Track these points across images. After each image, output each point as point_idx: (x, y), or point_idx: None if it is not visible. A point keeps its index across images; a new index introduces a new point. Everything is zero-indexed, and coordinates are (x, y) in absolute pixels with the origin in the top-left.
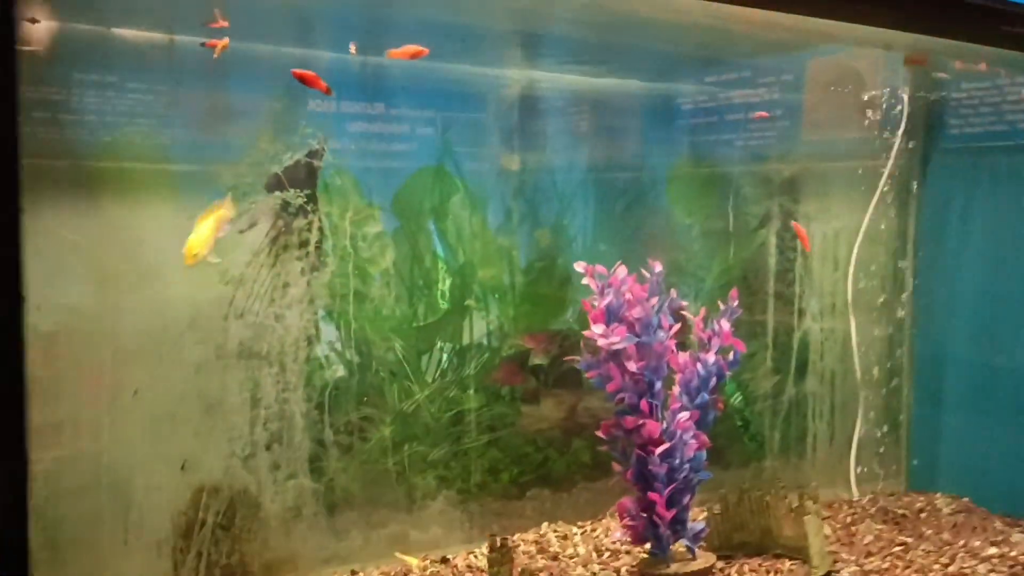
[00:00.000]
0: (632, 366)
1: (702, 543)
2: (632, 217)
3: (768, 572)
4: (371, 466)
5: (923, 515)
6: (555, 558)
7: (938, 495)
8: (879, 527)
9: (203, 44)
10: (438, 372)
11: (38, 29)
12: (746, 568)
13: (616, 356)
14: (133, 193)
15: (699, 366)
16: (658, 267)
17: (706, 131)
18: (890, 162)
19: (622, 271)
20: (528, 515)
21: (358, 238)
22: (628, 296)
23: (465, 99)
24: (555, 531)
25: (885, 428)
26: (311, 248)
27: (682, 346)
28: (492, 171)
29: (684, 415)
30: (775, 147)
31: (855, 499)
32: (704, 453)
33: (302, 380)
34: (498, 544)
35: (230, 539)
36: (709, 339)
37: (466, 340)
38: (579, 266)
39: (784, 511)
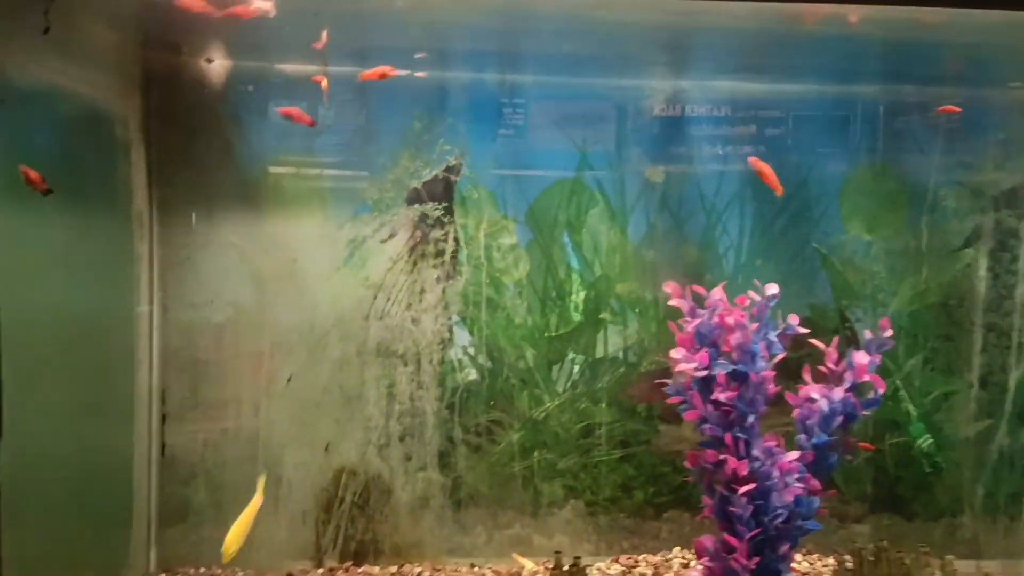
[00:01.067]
0: (721, 395)
1: None
2: (794, 232)
3: None
4: (499, 468)
5: None
6: None
7: None
8: None
9: (315, 80)
10: (568, 383)
11: (213, 67)
12: None
13: (704, 384)
14: (289, 205)
15: (822, 403)
16: (772, 290)
17: (891, 136)
18: None
19: (717, 293)
20: (663, 537)
21: (492, 249)
22: (728, 320)
23: (607, 110)
24: (683, 558)
25: None
26: (447, 257)
27: (822, 378)
28: (634, 183)
29: (791, 455)
30: (988, 153)
31: None
32: (816, 500)
33: (435, 380)
34: (564, 566)
35: (365, 518)
36: (841, 373)
37: (599, 353)
38: (668, 287)
39: None
